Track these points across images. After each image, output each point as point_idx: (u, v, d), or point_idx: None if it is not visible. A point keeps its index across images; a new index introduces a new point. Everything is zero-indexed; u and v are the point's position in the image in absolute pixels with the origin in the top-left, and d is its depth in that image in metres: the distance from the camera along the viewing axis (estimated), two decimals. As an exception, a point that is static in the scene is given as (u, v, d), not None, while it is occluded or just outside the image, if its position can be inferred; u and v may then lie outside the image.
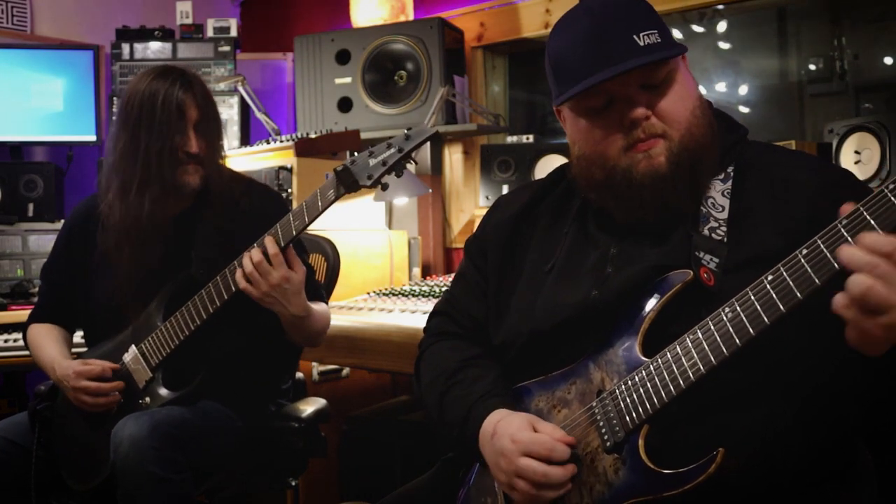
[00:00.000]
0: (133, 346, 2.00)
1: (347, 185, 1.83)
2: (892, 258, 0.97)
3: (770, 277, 1.08)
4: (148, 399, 1.96)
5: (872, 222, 1.00)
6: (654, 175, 1.28)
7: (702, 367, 1.14)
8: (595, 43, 1.28)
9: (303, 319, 1.95)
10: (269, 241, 1.87)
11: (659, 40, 1.27)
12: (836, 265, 1.02)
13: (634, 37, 1.26)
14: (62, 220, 3.25)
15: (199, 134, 2.01)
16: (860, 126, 2.34)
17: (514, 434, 1.28)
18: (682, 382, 1.16)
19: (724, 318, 1.12)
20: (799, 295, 1.05)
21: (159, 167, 1.97)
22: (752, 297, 1.10)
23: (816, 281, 1.04)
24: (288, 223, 1.86)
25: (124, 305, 2.04)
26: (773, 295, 1.07)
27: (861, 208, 1.01)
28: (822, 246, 1.03)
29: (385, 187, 1.84)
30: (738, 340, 1.11)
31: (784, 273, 1.07)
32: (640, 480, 1.18)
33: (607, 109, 1.31)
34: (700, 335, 1.15)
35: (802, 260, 1.05)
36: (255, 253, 1.87)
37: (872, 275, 0.98)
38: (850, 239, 1.01)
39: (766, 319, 1.08)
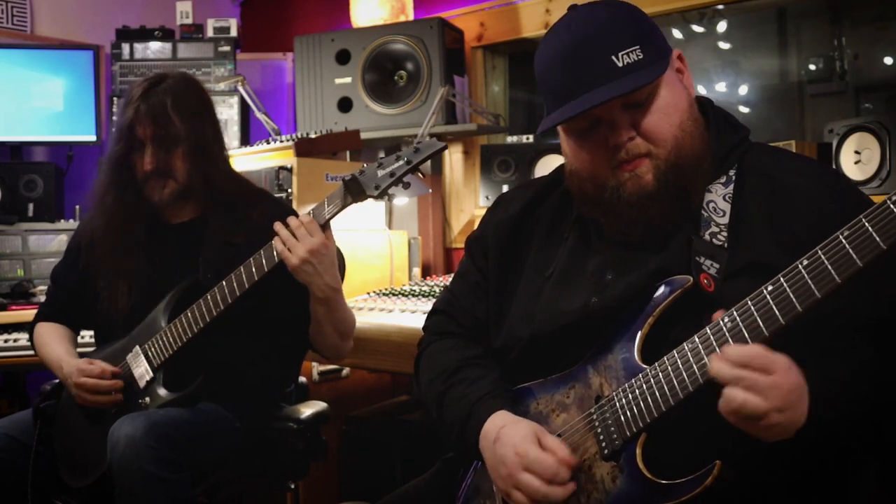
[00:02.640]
0: (137, 347, 2.02)
1: (355, 194, 1.83)
2: (752, 366, 1.04)
3: (770, 288, 1.08)
4: (148, 399, 1.97)
5: (874, 233, 0.99)
6: (641, 193, 1.28)
7: (699, 378, 1.14)
8: (573, 64, 1.26)
9: (337, 293, 1.95)
10: (302, 215, 1.88)
11: (640, 57, 1.24)
12: (837, 279, 1.02)
13: (613, 57, 1.23)
14: (62, 220, 3.26)
15: (158, 147, 2.02)
16: (860, 126, 2.33)
17: (517, 445, 1.27)
18: (679, 392, 1.15)
19: (724, 327, 1.12)
20: (799, 307, 1.05)
21: (120, 190, 2.07)
22: (752, 308, 1.09)
23: (817, 294, 1.03)
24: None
25: (126, 308, 2.06)
26: (773, 306, 1.07)
27: (863, 219, 1.00)
28: (823, 258, 1.03)
29: (392, 198, 1.83)
30: None
31: (784, 284, 1.06)
32: (637, 490, 1.18)
33: (592, 130, 1.31)
34: (699, 344, 1.15)
35: (803, 271, 1.05)
36: (292, 219, 1.87)
37: (741, 387, 1.04)
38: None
39: (764, 331, 1.08)
